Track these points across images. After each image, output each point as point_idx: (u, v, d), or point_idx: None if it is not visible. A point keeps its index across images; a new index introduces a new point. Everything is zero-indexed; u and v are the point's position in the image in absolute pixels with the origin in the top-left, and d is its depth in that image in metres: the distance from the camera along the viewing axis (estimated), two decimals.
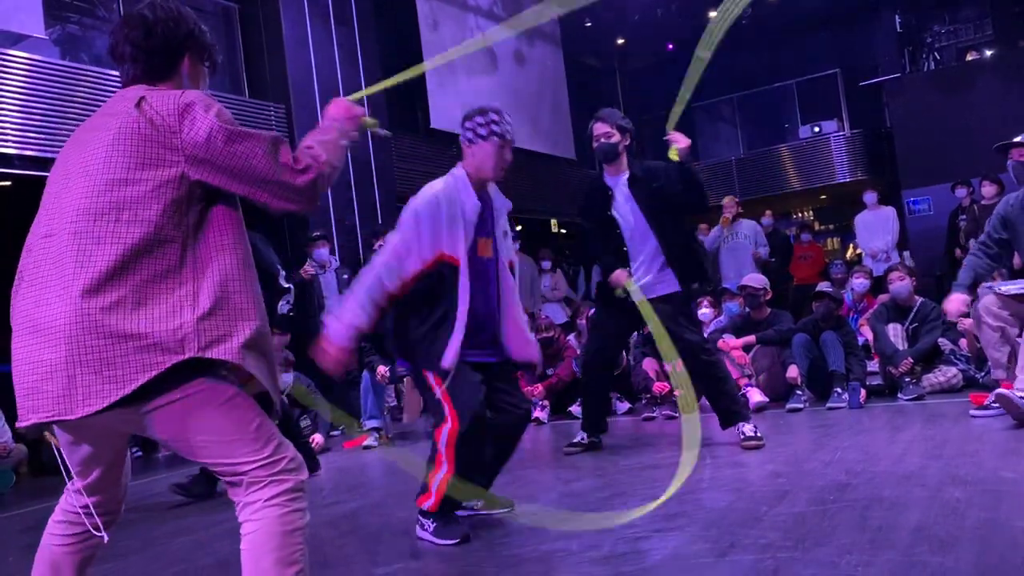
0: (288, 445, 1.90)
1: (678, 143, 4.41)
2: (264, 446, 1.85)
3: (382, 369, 6.48)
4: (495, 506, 3.54)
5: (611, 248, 4.70)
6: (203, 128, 1.83)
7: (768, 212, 10.79)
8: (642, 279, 4.60)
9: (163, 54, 1.99)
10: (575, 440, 4.97)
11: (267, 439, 1.86)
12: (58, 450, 2.06)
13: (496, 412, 3.30)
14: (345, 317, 3.12)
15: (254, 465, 1.83)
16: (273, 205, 1.92)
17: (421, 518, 3.24)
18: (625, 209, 4.67)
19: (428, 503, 3.18)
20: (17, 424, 1.85)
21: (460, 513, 3.44)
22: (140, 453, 7.37)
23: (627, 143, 4.70)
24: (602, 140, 4.67)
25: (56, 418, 1.75)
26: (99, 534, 2.02)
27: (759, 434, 4.49)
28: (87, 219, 1.79)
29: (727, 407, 4.60)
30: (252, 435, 1.84)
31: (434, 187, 3.22)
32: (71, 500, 2.06)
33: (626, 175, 4.69)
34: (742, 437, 4.48)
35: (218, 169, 1.85)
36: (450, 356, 3.12)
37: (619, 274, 4.55)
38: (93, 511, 2.03)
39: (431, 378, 3.18)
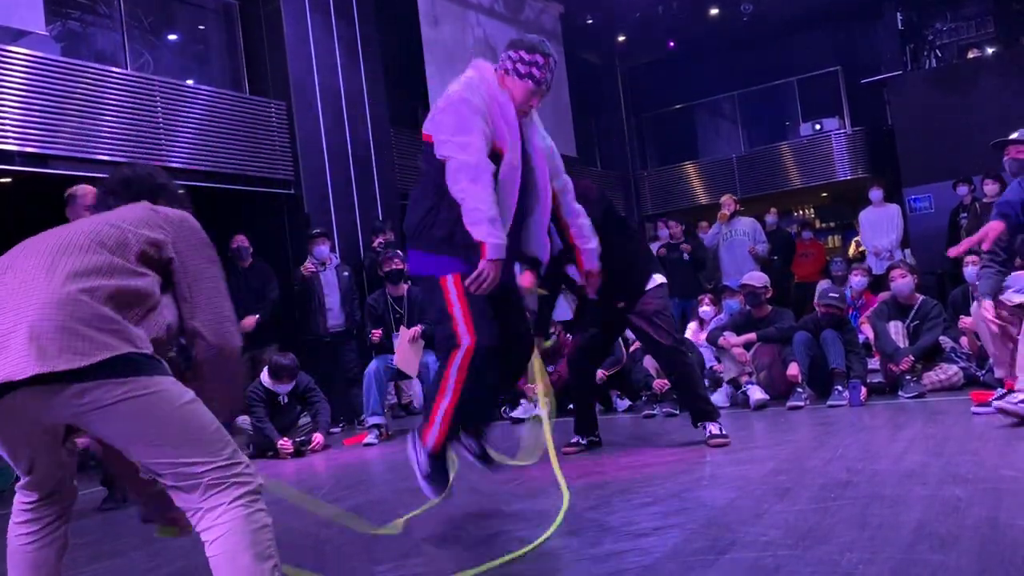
0: (241, 453, 1.94)
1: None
2: (222, 448, 1.88)
3: (376, 333, 6.53)
4: (483, 459, 3.44)
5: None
6: (197, 243, 2.17)
7: (773, 210, 10.77)
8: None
9: (140, 198, 2.27)
10: (572, 441, 4.95)
11: (225, 442, 1.90)
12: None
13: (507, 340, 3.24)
14: (489, 236, 2.93)
15: (212, 466, 1.85)
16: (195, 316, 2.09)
17: (420, 448, 3.14)
18: None
19: (432, 436, 3.08)
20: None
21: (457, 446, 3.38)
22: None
23: None
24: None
25: (7, 379, 1.73)
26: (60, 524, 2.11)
27: (724, 432, 4.55)
28: (59, 256, 1.93)
29: (699, 407, 4.66)
30: (211, 436, 1.88)
31: (460, 83, 3.08)
32: (23, 495, 2.11)
33: None
34: (708, 435, 4.55)
35: (189, 272, 2.11)
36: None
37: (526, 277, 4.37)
38: (46, 503, 2.10)
39: (452, 290, 3.04)
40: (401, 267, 6.83)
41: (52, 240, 1.98)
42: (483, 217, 2.93)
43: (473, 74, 3.14)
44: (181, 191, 2.41)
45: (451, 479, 3.19)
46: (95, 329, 1.78)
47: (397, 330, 6.75)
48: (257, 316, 7.32)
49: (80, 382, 1.75)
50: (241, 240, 7.67)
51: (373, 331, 6.65)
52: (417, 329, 6.47)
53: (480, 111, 3.01)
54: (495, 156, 3.03)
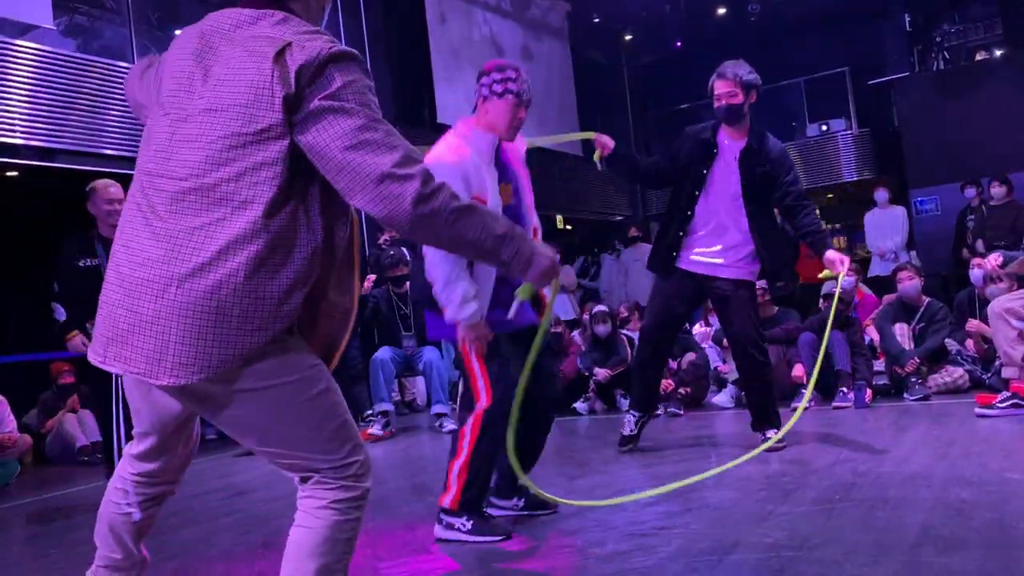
0: (362, 448, 1.79)
1: (599, 144, 4.30)
2: (342, 446, 1.75)
3: (370, 278, 6.69)
4: (537, 506, 3.41)
5: (678, 203, 4.42)
6: (342, 92, 1.69)
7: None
8: (719, 255, 4.35)
9: None
10: (625, 433, 4.69)
11: (345, 439, 1.76)
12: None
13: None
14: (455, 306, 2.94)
15: (327, 465, 1.74)
16: (357, 204, 1.72)
17: (447, 517, 3.10)
18: (720, 176, 4.34)
19: (448, 498, 3.08)
20: (90, 358, 1.77)
21: (498, 512, 3.37)
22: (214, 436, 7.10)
23: (753, 100, 4.30)
24: (724, 102, 4.27)
25: (141, 378, 1.67)
26: (135, 513, 1.97)
27: (783, 440, 4.28)
28: (210, 174, 1.66)
29: (763, 412, 4.41)
30: (333, 432, 1.74)
31: (448, 145, 3.06)
32: (127, 466, 1.99)
33: (743, 144, 4.33)
34: (763, 439, 4.27)
35: (320, 155, 1.68)
36: (479, 306, 2.98)
37: (605, 139, 4.31)
38: (145, 480, 1.97)
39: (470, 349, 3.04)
40: (406, 272, 6.84)
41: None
42: (454, 299, 2.94)
43: (457, 136, 3.14)
44: None
45: (499, 521, 3.14)
46: (227, 327, 1.63)
47: (406, 329, 6.76)
48: None
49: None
50: None
51: (368, 277, 6.62)
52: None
53: (468, 174, 3.01)
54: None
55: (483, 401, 3.05)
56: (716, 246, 4.37)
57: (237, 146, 1.67)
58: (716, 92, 4.34)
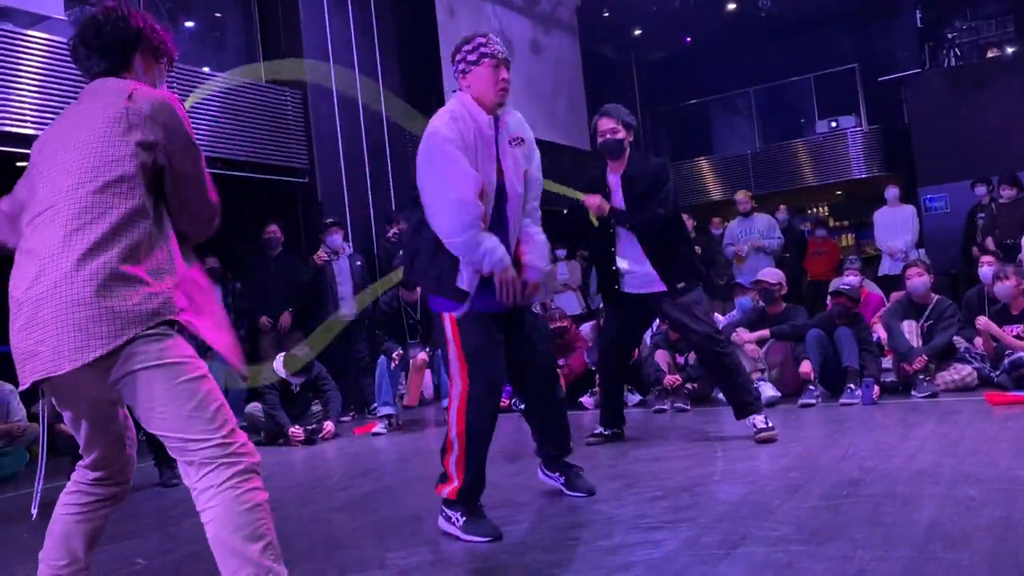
0: (242, 433, 1.98)
1: (591, 207, 4.51)
2: (220, 427, 1.93)
3: (398, 352, 6.51)
4: (576, 486, 3.55)
5: (599, 245, 4.73)
6: (183, 132, 2.06)
7: (783, 207, 10.73)
8: (640, 274, 4.61)
9: (114, 53, 2.16)
10: (595, 431, 4.99)
11: (224, 422, 1.94)
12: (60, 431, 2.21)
13: (520, 367, 3.29)
14: (495, 255, 2.98)
15: (207, 444, 1.91)
16: (182, 214, 2.11)
17: (446, 509, 3.13)
18: (617, 206, 4.64)
19: (448, 489, 3.09)
20: (20, 387, 1.97)
21: (547, 478, 3.60)
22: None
23: (631, 139, 4.66)
24: (607, 136, 4.60)
25: (48, 374, 1.87)
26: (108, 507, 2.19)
27: (771, 425, 4.49)
28: (80, 195, 1.94)
29: (740, 399, 4.60)
30: (211, 414, 1.92)
31: (442, 119, 3.08)
32: (80, 472, 2.19)
33: (620, 173, 4.66)
34: (755, 429, 4.49)
35: (180, 170, 2.06)
36: (466, 279, 3.02)
37: (593, 199, 4.53)
38: (99, 484, 2.17)
39: (448, 328, 3.07)
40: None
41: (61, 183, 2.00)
42: (489, 255, 2.99)
43: (453, 107, 3.14)
44: (158, 35, 2.25)
45: (494, 525, 3.11)
46: (110, 314, 1.87)
47: (412, 337, 6.76)
48: (291, 309, 7.59)
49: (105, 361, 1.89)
50: (274, 231, 7.76)
51: (395, 352, 6.58)
52: (424, 357, 6.53)
53: (465, 145, 3.05)
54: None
55: (458, 384, 3.07)
56: (639, 265, 4.61)
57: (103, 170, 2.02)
58: (599, 129, 4.65)
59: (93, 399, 2.04)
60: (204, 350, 2.12)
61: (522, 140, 3.23)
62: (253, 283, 7.96)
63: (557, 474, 3.62)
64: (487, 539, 3.00)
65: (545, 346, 3.45)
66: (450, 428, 3.10)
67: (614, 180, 4.65)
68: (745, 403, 4.59)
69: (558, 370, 3.51)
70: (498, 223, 3.15)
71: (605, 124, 4.62)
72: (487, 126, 3.11)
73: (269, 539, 1.91)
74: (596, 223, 4.59)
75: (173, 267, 2.00)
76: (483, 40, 3.15)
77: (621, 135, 4.59)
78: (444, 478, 3.14)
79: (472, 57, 3.13)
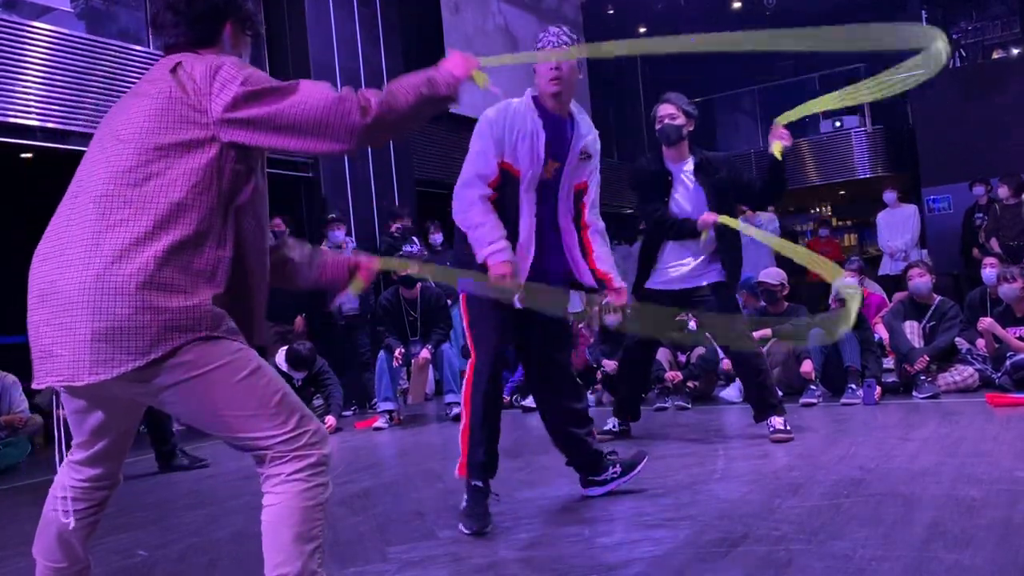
0: (311, 417, 1.88)
1: (784, 141, 4.38)
2: (287, 420, 1.82)
3: (399, 351, 6.51)
4: (630, 469, 3.53)
5: (654, 241, 4.69)
6: (231, 91, 1.81)
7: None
8: (689, 266, 4.61)
9: (205, 21, 1.98)
10: (605, 428, 4.98)
11: (289, 412, 1.83)
12: (59, 421, 2.07)
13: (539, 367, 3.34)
14: (484, 241, 3.02)
15: (276, 440, 1.81)
16: (316, 150, 1.88)
17: (465, 495, 3.18)
18: (684, 196, 4.61)
19: (459, 463, 3.17)
20: (32, 385, 1.86)
21: (596, 491, 3.48)
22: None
23: (691, 128, 4.60)
24: (666, 121, 4.56)
25: (66, 383, 1.75)
26: (67, 520, 2.01)
27: (788, 428, 4.47)
28: (115, 183, 1.78)
29: (762, 400, 4.56)
30: (273, 409, 1.81)
31: (496, 106, 3.17)
32: (72, 475, 2.04)
33: (690, 161, 4.61)
34: (771, 430, 4.47)
35: (250, 127, 1.83)
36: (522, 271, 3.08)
37: (709, 216, 4.49)
38: (93, 485, 2.03)
39: (461, 305, 3.20)
40: (416, 271, 6.82)
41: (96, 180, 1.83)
42: (480, 241, 3.03)
43: (514, 101, 3.18)
44: (249, 4, 2.09)
45: (485, 522, 3.11)
46: (143, 321, 1.72)
47: (413, 334, 6.76)
48: (303, 314, 7.59)
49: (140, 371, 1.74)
50: (278, 224, 7.76)
51: (397, 351, 6.59)
52: (427, 356, 6.54)
53: (496, 135, 3.09)
54: (510, 180, 3.10)
55: (472, 358, 3.17)
56: (685, 259, 4.62)
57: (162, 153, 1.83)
58: (659, 115, 4.63)
59: (116, 399, 1.90)
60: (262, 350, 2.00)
61: (589, 156, 3.28)
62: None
63: (610, 470, 3.53)
64: (469, 532, 3.04)
65: (561, 356, 3.40)
66: (463, 400, 3.17)
67: (676, 168, 4.60)
68: (768, 405, 4.55)
69: (575, 381, 3.49)
70: (553, 227, 3.24)
71: (665, 110, 4.59)
72: (545, 124, 3.13)
73: (320, 542, 1.84)
74: (780, 157, 4.38)
75: (219, 276, 1.81)
76: (540, 35, 3.23)
77: (680, 121, 4.55)
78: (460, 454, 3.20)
79: (541, 42, 3.22)
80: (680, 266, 4.64)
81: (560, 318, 3.36)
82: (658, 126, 4.60)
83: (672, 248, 4.65)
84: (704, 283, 4.60)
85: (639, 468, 3.53)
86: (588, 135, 3.27)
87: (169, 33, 1.98)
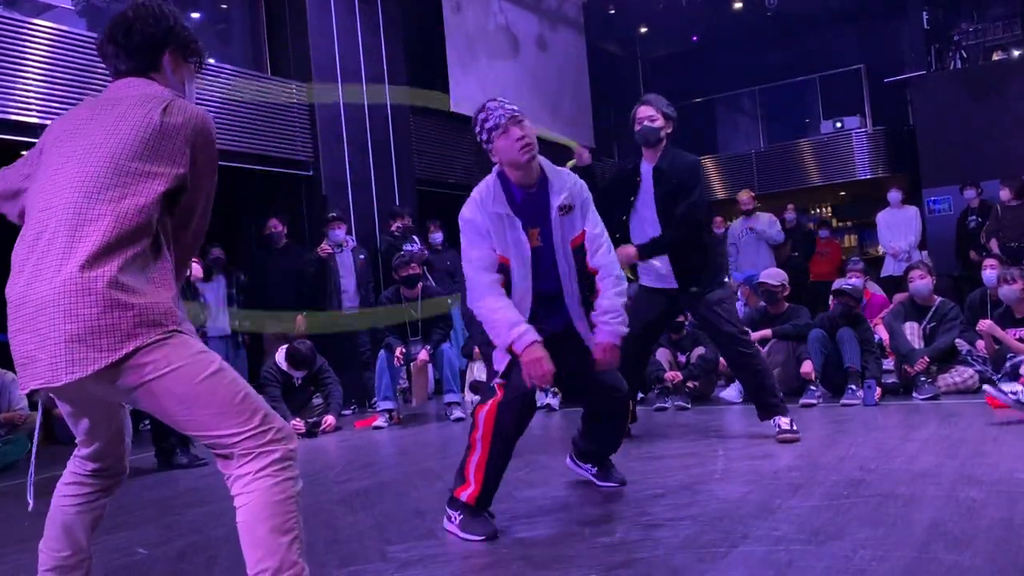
0: (276, 416, 1.95)
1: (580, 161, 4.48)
2: (250, 417, 1.90)
3: (400, 350, 6.51)
4: (609, 477, 3.64)
5: (613, 235, 4.67)
6: (212, 152, 2.04)
7: (791, 206, 10.71)
8: (659, 268, 4.59)
9: (144, 51, 2.11)
10: None
11: (252, 410, 1.91)
12: (59, 418, 2.15)
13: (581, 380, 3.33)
14: (505, 325, 2.99)
15: (241, 437, 1.88)
16: (184, 227, 2.07)
17: (448, 509, 3.11)
18: (642, 199, 4.61)
19: (467, 492, 3.05)
20: (20, 391, 1.96)
21: (577, 469, 3.69)
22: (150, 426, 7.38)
23: (669, 131, 4.60)
24: (645, 123, 4.55)
25: (46, 385, 1.83)
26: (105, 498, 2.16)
27: (795, 428, 4.46)
28: (89, 197, 1.89)
29: (765, 400, 4.55)
30: (237, 407, 1.89)
31: (470, 200, 3.14)
32: (78, 464, 2.16)
33: (653, 165, 4.61)
34: (778, 429, 4.45)
35: (200, 188, 2.03)
36: (499, 360, 3.09)
37: (625, 250, 4.43)
38: (98, 475, 2.15)
39: (495, 355, 3.14)
40: (418, 272, 6.81)
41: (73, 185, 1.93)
42: (499, 328, 2.99)
43: (480, 187, 3.16)
44: (189, 34, 2.19)
45: (492, 525, 3.09)
46: (114, 320, 1.82)
47: (413, 333, 6.76)
48: (304, 314, 7.55)
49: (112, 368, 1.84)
50: (275, 224, 7.76)
51: (398, 349, 6.57)
52: (425, 357, 6.54)
53: (480, 230, 3.08)
54: (503, 268, 3.10)
55: (497, 394, 3.06)
56: (658, 260, 4.58)
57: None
58: (638, 116, 4.62)
59: (96, 400, 2.01)
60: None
61: (569, 208, 3.17)
62: (258, 275, 7.98)
63: (589, 465, 3.68)
64: (482, 537, 2.98)
65: (601, 373, 3.37)
66: (476, 429, 3.06)
67: (647, 170, 4.60)
68: (771, 404, 4.54)
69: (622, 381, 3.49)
70: (552, 292, 3.18)
71: (644, 112, 4.58)
72: (521, 203, 3.11)
73: (296, 533, 1.89)
74: (631, 277, 4.43)
75: (171, 281, 1.96)
76: (484, 116, 3.09)
77: (659, 123, 4.54)
78: (461, 480, 3.09)
79: (484, 136, 3.10)
80: (647, 266, 4.62)
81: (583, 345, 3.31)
82: (637, 128, 4.60)
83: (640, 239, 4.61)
84: (671, 286, 4.58)
85: (609, 485, 3.63)
86: (563, 191, 3.16)
87: (112, 62, 2.13)
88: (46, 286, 1.83)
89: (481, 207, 3.09)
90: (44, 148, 2.06)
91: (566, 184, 3.18)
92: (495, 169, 3.17)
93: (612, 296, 3.20)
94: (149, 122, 1.95)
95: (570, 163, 4.43)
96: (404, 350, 6.53)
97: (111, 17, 2.16)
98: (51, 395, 1.97)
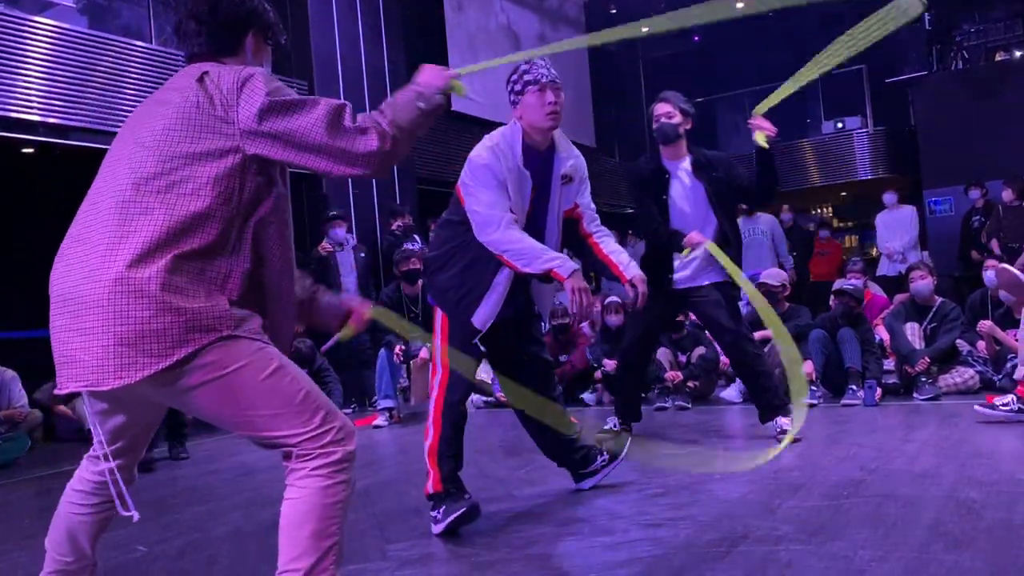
0: (337, 413, 1.87)
1: (767, 130, 4.36)
2: (312, 417, 1.82)
3: (400, 347, 6.52)
4: (615, 457, 3.59)
5: (662, 247, 4.63)
6: (257, 102, 1.83)
7: (786, 207, 10.70)
8: (690, 265, 4.57)
9: (227, 30, 2.01)
10: (606, 427, 4.94)
11: (314, 409, 1.83)
12: (60, 417, 2.07)
13: (521, 366, 3.33)
14: (536, 252, 2.98)
15: (302, 437, 1.81)
16: (335, 172, 1.89)
17: (431, 513, 3.13)
18: (681, 194, 4.58)
19: (431, 481, 3.13)
20: (56, 391, 1.87)
21: (587, 481, 3.57)
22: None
23: (688, 127, 4.60)
24: (663, 120, 4.55)
25: (90, 388, 1.76)
26: (128, 512, 2.02)
27: (798, 434, 4.39)
28: (137, 189, 1.80)
29: (767, 401, 4.53)
30: (298, 407, 1.82)
31: (486, 146, 3.12)
32: (91, 468, 2.07)
33: (688, 160, 4.59)
34: (779, 430, 4.43)
35: (274, 141, 1.84)
36: (482, 316, 3.10)
37: (696, 235, 4.44)
38: (116, 476, 2.03)
39: (438, 324, 3.19)
40: (418, 267, 6.82)
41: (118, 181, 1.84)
42: (531, 255, 2.97)
43: (498, 138, 3.15)
44: (272, 15, 2.11)
45: (472, 500, 3.11)
46: (164, 324, 1.73)
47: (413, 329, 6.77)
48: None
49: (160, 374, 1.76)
50: None
51: (397, 347, 6.58)
52: (425, 355, 6.54)
53: (499, 178, 3.07)
54: None
55: (440, 372, 3.17)
56: (692, 263, 4.57)
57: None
58: (656, 113, 4.63)
59: (138, 401, 1.92)
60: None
61: (570, 178, 3.23)
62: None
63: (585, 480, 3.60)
64: (464, 510, 3.02)
65: (537, 349, 3.41)
66: (429, 414, 3.17)
67: (673, 166, 4.58)
68: (772, 406, 4.51)
69: (553, 372, 3.50)
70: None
71: (661, 108, 4.59)
72: (528, 162, 3.12)
73: (337, 539, 1.84)
74: (765, 144, 4.40)
75: (235, 279, 1.83)
76: (526, 68, 3.13)
77: (677, 120, 4.54)
78: (426, 476, 3.18)
79: (518, 87, 3.13)
80: (681, 269, 4.59)
81: (534, 314, 3.38)
82: (655, 125, 4.60)
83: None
84: (705, 282, 4.56)
85: (622, 457, 3.60)
86: (569, 160, 3.21)
87: (192, 42, 2.01)
88: (94, 284, 1.74)
89: (502, 158, 3.08)
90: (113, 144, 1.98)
91: (572, 154, 3.25)
92: (514, 123, 3.17)
93: (613, 242, 3.34)
94: (186, 99, 1.85)
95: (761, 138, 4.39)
96: (404, 348, 6.53)
97: None
98: (87, 395, 1.88)
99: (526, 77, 3.12)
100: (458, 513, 3.02)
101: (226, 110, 1.84)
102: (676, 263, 4.58)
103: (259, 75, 1.88)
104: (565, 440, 3.45)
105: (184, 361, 1.74)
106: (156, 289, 1.72)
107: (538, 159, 3.16)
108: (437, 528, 3.08)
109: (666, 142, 4.58)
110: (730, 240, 4.59)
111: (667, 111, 4.56)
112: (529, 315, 3.36)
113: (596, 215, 3.39)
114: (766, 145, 4.37)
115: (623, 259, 3.28)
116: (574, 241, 3.40)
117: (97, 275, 1.75)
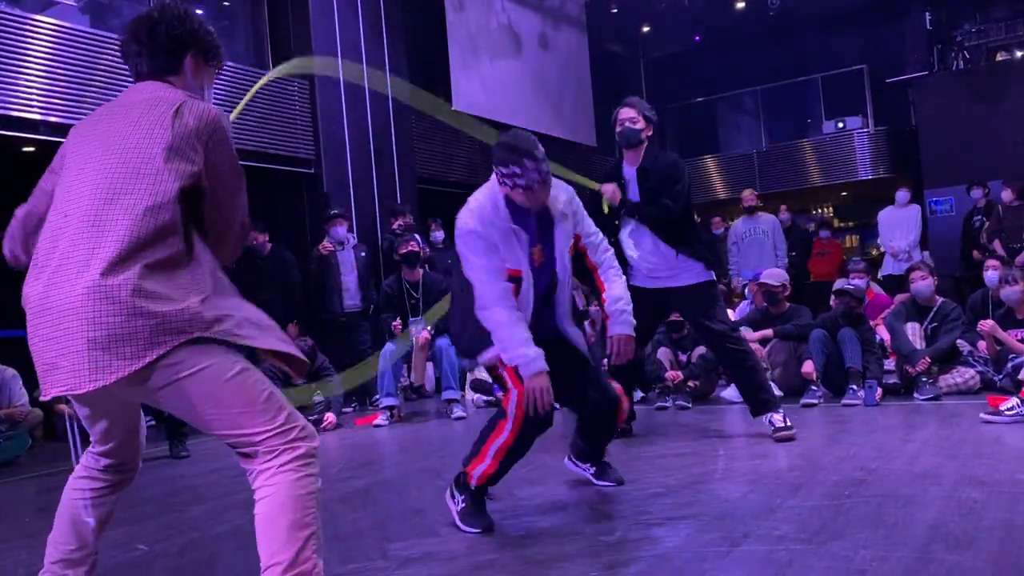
0: (298, 415, 1.98)
1: (606, 195, 4.50)
2: (276, 415, 1.93)
3: (397, 322, 6.58)
4: (606, 476, 3.63)
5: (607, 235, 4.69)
6: (228, 148, 2.04)
7: (783, 207, 10.71)
8: (659, 270, 4.61)
9: (166, 51, 2.12)
10: None
11: (278, 408, 1.95)
12: (71, 419, 2.23)
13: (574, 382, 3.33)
14: (512, 343, 3.01)
15: (267, 434, 1.91)
16: (215, 228, 2.06)
17: (455, 489, 3.16)
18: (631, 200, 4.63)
19: (480, 469, 3.07)
20: (40, 397, 1.98)
21: (575, 468, 3.70)
22: (153, 422, 7.39)
23: (650, 133, 4.65)
24: (627, 125, 4.61)
25: (69, 392, 1.85)
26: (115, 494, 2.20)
27: (790, 424, 4.46)
28: (109, 202, 1.90)
29: (757, 397, 4.56)
30: (263, 405, 1.93)
31: (470, 211, 3.08)
32: (92, 459, 2.20)
33: (637, 166, 4.64)
34: (772, 428, 4.45)
35: (222, 186, 2.04)
36: (488, 356, 3.12)
37: (609, 186, 4.54)
38: (110, 471, 2.19)
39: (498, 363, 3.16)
40: (417, 250, 6.86)
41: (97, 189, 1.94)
42: (507, 342, 3.00)
43: (482, 200, 3.11)
44: (212, 37, 2.21)
45: (490, 520, 3.12)
46: (136, 327, 1.83)
47: (414, 315, 6.78)
48: (295, 320, 7.51)
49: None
50: (254, 237, 7.74)
51: (394, 322, 6.64)
52: (427, 336, 6.56)
53: (488, 241, 3.04)
54: (514, 279, 3.09)
55: (514, 389, 3.06)
56: (654, 258, 4.62)
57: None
58: (619, 118, 4.68)
59: (117, 401, 2.04)
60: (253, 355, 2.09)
61: (566, 216, 3.21)
62: (242, 280, 7.97)
63: (588, 465, 3.68)
64: (478, 531, 3.04)
65: (596, 362, 3.45)
66: (508, 415, 3.05)
67: (630, 172, 4.64)
68: (762, 401, 4.55)
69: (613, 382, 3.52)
70: (546, 303, 3.23)
71: (625, 113, 4.64)
72: (518, 217, 3.09)
73: (314, 529, 1.91)
74: (606, 211, 4.57)
75: (202, 285, 1.93)
76: (519, 171, 2.98)
77: (640, 125, 4.60)
78: (476, 453, 3.11)
79: (509, 183, 3.03)
80: (641, 266, 4.64)
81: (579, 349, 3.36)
82: (618, 129, 4.66)
83: (637, 244, 4.63)
84: (686, 283, 4.57)
85: (607, 483, 3.62)
86: (561, 198, 3.19)
87: (134, 61, 2.14)
88: (67, 292, 1.83)
89: (487, 221, 3.06)
90: (65, 155, 2.07)
91: (560, 190, 3.23)
92: (500, 189, 3.09)
93: (619, 284, 3.35)
94: (162, 125, 1.96)
95: (605, 203, 4.56)
96: (400, 324, 6.61)
97: (135, 16, 2.17)
98: (72, 399, 1.99)
99: (519, 181, 3.00)
100: (474, 530, 3.05)
101: (198, 141, 1.98)
102: (631, 262, 4.64)
103: (228, 125, 2.05)
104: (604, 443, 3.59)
105: (155, 361, 1.83)
106: (127, 295, 1.81)
107: (534, 214, 3.14)
108: (450, 505, 3.17)
109: (628, 146, 4.65)
110: (685, 244, 4.56)
111: (631, 116, 4.63)
112: (560, 341, 3.30)
113: (600, 241, 3.37)
114: (606, 210, 4.54)
115: (618, 308, 3.32)
116: (585, 275, 3.42)
117: (69, 284, 1.85)
